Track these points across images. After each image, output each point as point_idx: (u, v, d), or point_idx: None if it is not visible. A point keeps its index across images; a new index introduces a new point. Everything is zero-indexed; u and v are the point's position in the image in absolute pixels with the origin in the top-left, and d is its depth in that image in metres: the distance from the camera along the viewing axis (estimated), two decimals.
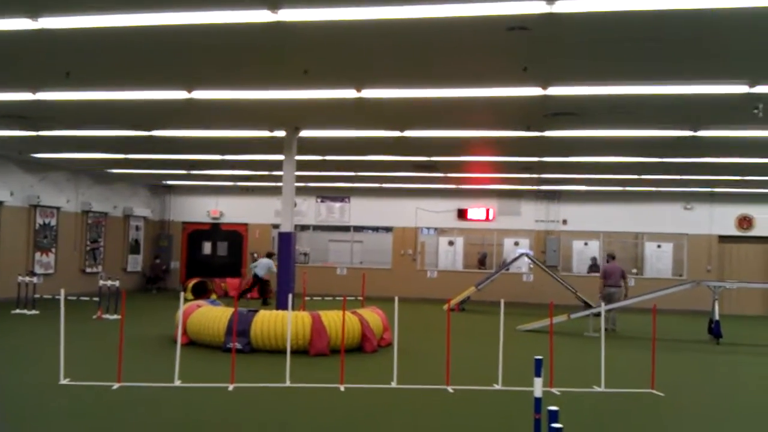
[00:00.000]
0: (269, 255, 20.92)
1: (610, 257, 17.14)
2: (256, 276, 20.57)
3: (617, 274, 16.39)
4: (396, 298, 9.11)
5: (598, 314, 13.08)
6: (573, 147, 14.31)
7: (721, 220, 22.58)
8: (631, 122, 11.69)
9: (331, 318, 11.18)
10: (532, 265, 22.42)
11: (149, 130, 13.74)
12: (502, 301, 9.04)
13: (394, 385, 8.75)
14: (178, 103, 10.92)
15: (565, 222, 23.59)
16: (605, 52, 7.84)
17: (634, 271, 23.64)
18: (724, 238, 22.58)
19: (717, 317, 14.63)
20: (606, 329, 16.29)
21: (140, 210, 24.68)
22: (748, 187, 19.82)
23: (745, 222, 22.51)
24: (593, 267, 23.05)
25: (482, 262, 24.92)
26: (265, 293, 20.61)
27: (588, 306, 17.50)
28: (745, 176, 17.70)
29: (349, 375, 8.98)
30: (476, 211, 24.31)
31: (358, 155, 16.57)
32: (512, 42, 7.38)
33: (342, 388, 8.54)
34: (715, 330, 14.63)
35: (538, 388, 4.38)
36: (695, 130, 11.92)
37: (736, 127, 11.56)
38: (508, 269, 21.99)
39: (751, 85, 8.87)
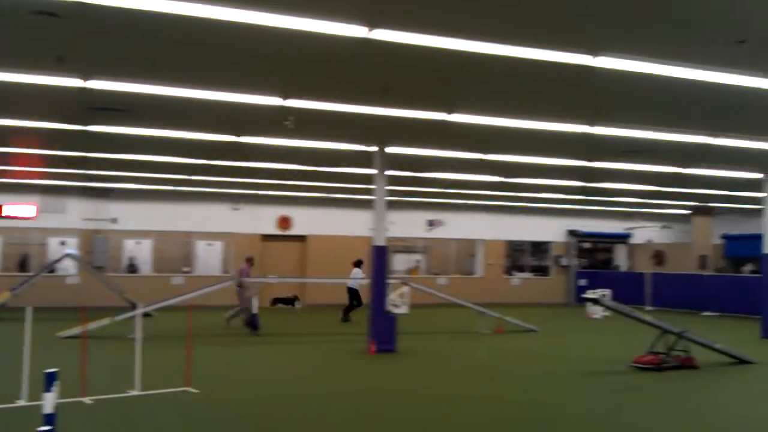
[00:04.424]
0: (357, 264, 19.66)
1: (248, 260, 17.73)
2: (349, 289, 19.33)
3: (244, 274, 17.21)
4: None
5: (145, 315, 13.04)
6: (122, 144, 13.90)
7: (264, 220, 24.50)
8: (180, 124, 11.87)
9: None
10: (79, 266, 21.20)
11: None
12: (30, 308, 8.25)
13: None
14: None
15: (115, 221, 22.80)
16: (146, 50, 7.78)
17: (186, 269, 24.12)
18: (266, 237, 24.52)
19: (255, 311, 15.82)
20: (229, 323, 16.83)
21: None
22: (287, 190, 21.89)
23: (284, 222, 24.81)
24: (131, 267, 23.46)
25: (23, 265, 22.64)
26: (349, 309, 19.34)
27: (134, 307, 17.21)
28: (284, 180, 19.48)
29: None
30: (15, 208, 21.87)
31: None
32: (44, 27, 6.80)
33: None
34: (253, 322, 15.80)
35: (48, 403, 4.09)
36: (238, 136, 12.65)
37: (273, 135, 12.62)
38: (52, 271, 20.40)
39: (284, 98, 9.75)
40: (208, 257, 24.62)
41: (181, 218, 23.43)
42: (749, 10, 6.24)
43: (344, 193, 22.29)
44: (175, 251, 24.56)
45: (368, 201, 15.78)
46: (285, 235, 24.85)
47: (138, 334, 9.37)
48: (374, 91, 9.32)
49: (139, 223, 23.08)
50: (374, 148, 13.67)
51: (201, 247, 24.66)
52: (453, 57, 7.36)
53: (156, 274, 23.43)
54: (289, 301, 22.09)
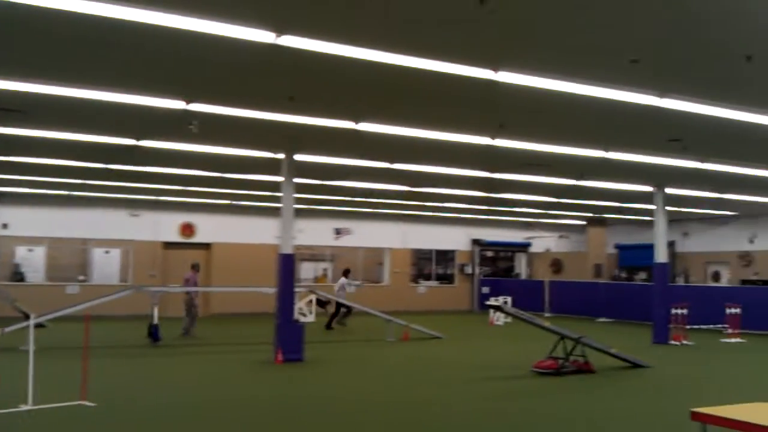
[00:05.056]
0: (345, 273, 21.03)
1: (193, 267, 17.53)
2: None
3: (191, 283, 17.30)
4: None
5: (39, 325, 12.38)
6: (15, 146, 13.21)
7: (166, 227, 23.76)
8: (77, 126, 11.37)
9: None
10: None
11: None
12: None
13: None
14: None
15: (5, 226, 21.57)
16: (41, 49, 7.44)
17: (82, 277, 23.10)
18: (168, 245, 23.78)
19: (156, 321, 15.33)
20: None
21: None
22: (191, 196, 21.34)
23: (187, 229, 24.16)
24: (16, 275, 22.20)
25: None
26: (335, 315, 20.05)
27: (27, 317, 16.34)
28: (187, 186, 18.99)
29: None
30: None
31: None
32: None
33: None
34: (154, 333, 15.30)
35: None
36: (138, 140, 12.23)
37: (177, 140, 12.29)
38: None
39: (188, 102, 9.50)
40: (106, 265, 23.66)
41: (76, 224, 22.39)
42: (642, 31, 6.60)
43: (250, 200, 21.96)
44: (71, 259, 23.49)
45: (275, 208, 15.62)
46: (188, 242, 24.20)
47: (30, 346, 8.88)
48: (281, 98, 9.24)
49: (32, 229, 21.90)
50: (282, 156, 13.55)
51: (98, 254, 23.68)
52: (360, 66, 7.40)
53: (50, 283, 22.30)
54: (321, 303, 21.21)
